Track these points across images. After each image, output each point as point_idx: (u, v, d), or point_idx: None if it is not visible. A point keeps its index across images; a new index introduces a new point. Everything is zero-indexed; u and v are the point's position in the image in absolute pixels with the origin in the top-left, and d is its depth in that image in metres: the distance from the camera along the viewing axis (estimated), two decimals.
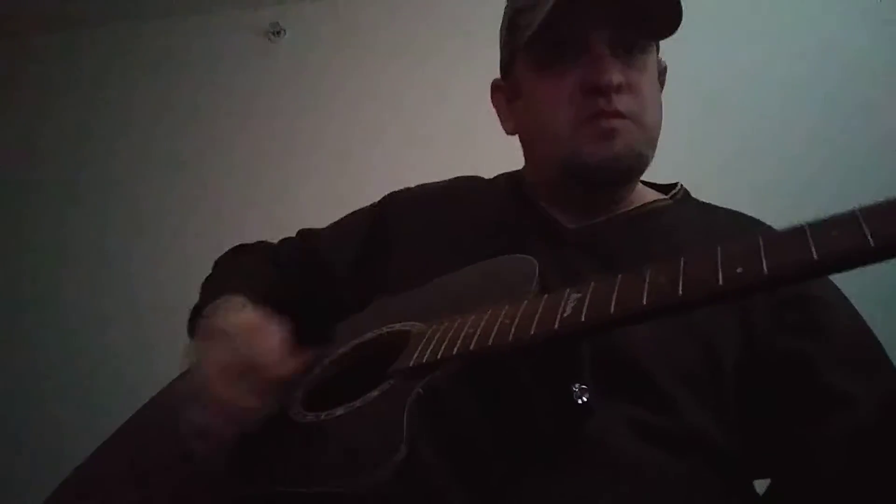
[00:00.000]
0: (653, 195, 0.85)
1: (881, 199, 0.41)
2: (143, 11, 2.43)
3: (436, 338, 0.61)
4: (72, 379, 2.17)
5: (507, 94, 0.87)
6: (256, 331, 0.67)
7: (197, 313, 0.82)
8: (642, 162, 0.79)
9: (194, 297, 0.93)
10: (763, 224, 0.81)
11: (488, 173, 0.97)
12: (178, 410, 0.63)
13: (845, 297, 0.75)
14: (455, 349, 0.57)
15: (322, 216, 1.01)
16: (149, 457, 0.73)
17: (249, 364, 0.63)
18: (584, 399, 0.58)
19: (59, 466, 0.78)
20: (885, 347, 0.71)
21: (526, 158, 0.90)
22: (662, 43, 0.82)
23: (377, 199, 0.98)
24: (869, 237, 0.38)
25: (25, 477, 1.62)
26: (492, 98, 0.90)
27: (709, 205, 0.87)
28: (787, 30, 2.31)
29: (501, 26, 0.86)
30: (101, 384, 2.11)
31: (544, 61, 0.78)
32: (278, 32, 2.45)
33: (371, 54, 2.42)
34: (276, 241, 1.00)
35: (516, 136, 0.89)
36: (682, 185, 0.87)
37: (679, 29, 0.75)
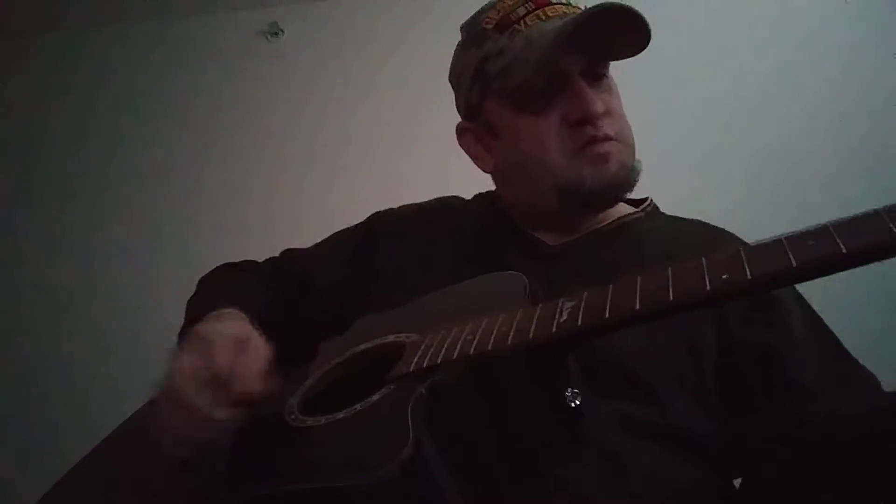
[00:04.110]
0: (626, 209, 0.90)
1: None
2: (142, 12, 2.43)
3: (434, 345, 0.63)
4: (69, 382, 2.17)
5: (476, 135, 0.90)
6: (240, 343, 0.67)
7: (183, 333, 0.82)
8: (634, 174, 0.83)
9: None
10: (728, 232, 0.86)
11: (485, 175, 0.99)
12: (153, 414, 0.64)
13: (807, 302, 0.80)
14: (455, 354, 0.59)
15: (319, 215, 1.02)
16: (145, 463, 0.73)
17: (223, 374, 0.64)
18: (577, 402, 0.60)
19: (56, 469, 0.79)
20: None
21: (506, 189, 0.93)
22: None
23: (375, 199, 1.00)
24: (842, 246, 0.42)
25: (22, 479, 1.62)
26: (460, 141, 0.93)
27: (676, 217, 0.92)
28: (799, 36, 2.34)
29: (459, 73, 0.90)
30: (97, 388, 2.09)
31: (522, 102, 0.82)
32: (276, 33, 2.45)
33: (369, 55, 2.42)
34: (271, 239, 1.02)
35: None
36: (651, 200, 0.92)
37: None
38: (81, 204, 2.37)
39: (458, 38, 0.92)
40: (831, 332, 0.78)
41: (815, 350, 0.75)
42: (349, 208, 1.02)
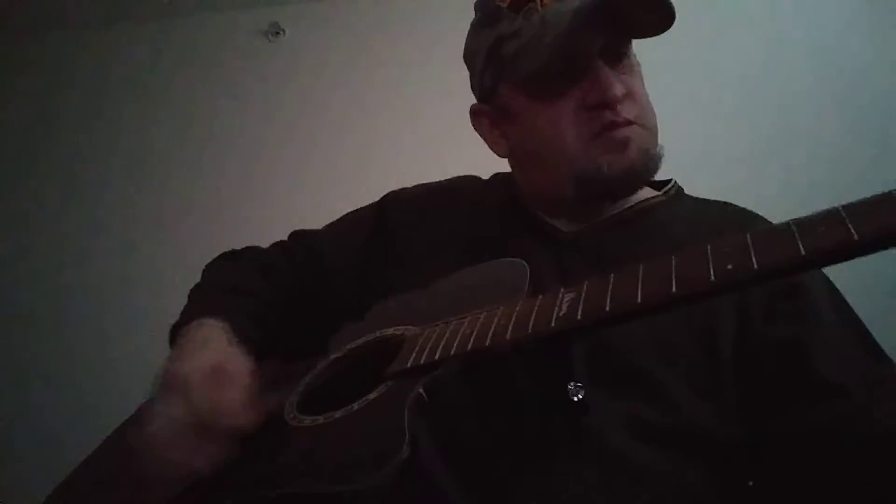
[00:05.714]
0: (647, 192, 0.85)
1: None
2: (142, 12, 2.43)
3: (432, 340, 0.61)
4: (70, 380, 2.17)
5: (491, 119, 0.86)
6: (217, 377, 0.65)
7: (176, 331, 0.80)
8: (656, 161, 0.79)
9: None
10: (756, 215, 0.82)
11: (485, 173, 0.97)
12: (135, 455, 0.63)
13: (835, 288, 0.76)
14: (452, 350, 0.58)
15: (319, 215, 1.00)
16: (145, 465, 0.72)
17: (205, 419, 0.62)
18: (580, 396, 0.58)
19: (57, 470, 0.79)
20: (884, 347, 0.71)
21: (521, 174, 0.89)
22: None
23: (374, 198, 0.98)
24: (853, 232, 0.40)
25: (23, 480, 1.62)
26: (474, 124, 0.89)
27: (701, 199, 0.87)
28: (791, 30, 2.34)
29: (473, 53, 0.85)
30: (99, 389, 2.09)
31: (537, 87, 0.78)
32: (277, 32, 2.45)
33: (370, 54, 2.42)
34: (272, 240, 0.99)
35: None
36: (675, 181, 0.88)
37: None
38: (82, 203, 2.37)
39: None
40: (860, 321, 0.73)
41: (845, 342, 0.70)
42: (348, 207, 1.00)
